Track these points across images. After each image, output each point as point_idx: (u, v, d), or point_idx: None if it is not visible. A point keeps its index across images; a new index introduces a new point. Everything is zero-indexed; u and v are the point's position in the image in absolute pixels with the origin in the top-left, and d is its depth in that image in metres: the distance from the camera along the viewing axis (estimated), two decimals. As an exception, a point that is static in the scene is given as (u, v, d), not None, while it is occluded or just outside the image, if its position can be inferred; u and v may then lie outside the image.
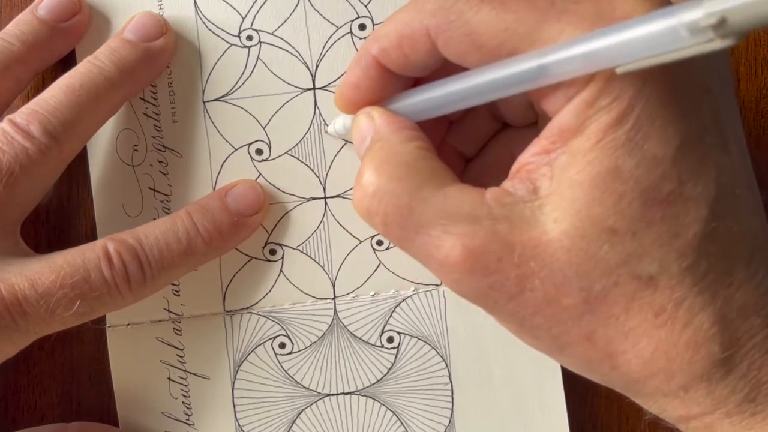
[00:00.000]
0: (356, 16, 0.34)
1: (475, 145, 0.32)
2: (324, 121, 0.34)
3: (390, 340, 0.34)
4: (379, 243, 0.34)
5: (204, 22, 0.34)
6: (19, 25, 0.32)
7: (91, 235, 0.34)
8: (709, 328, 0.23)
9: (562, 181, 0.23)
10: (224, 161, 0.34)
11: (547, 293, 0.23)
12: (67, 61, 0.33)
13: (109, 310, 0.31)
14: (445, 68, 0.27)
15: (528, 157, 0.24)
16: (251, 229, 0.33)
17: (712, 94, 0.24)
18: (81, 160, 0.33)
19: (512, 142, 0.31)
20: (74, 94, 0.30)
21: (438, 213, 0.24)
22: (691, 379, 0.23)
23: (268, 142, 0.34)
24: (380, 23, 0.33)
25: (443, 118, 0.31)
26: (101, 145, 0.34)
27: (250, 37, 0.34)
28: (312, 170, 0.34)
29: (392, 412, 0.34)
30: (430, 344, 0.34)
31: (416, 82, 0.29)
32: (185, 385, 0.34)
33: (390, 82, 0.28)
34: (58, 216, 0.35)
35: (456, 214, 0.24)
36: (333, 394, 0.34)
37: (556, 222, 0.23)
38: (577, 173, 0.23)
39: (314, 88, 0.34)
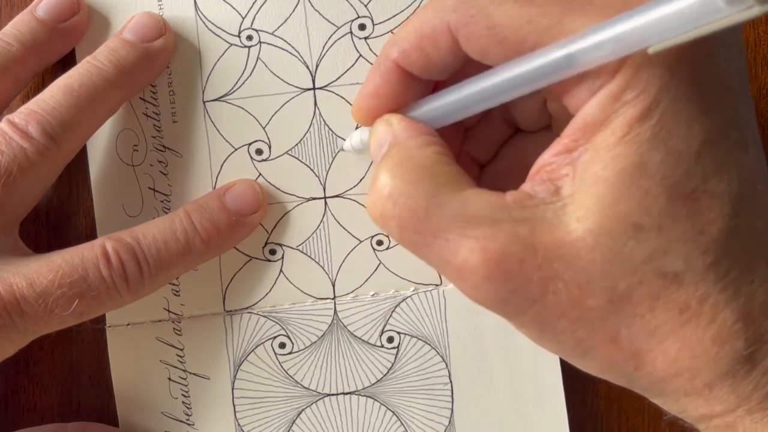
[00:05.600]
0: (356, 16, 0.34)
1: (489, 150, 0.31)
2: (324, 121, 0.34)
3: (390, 340, 0.34)
4: (379, 243, 0.34)
5: (204, 22, 0.34)
6: (18, 25, 0.32)
7: (91, 235, 0.34)
8: (733, 324, 0.23)
9: (585, 179, 0.23)
10: (224, 161, 0.34)
11: (571, 295, 0.23)
12: (67, 61, 0.33)
13: (107, 309, 0.31)
14: (464, 72, 0.26)
15: (549, 157, 0.24)
16: (250, 228, 0.33)
17: (733, 92, 0.24)
18: (81, 160, 0.33)
19: (525, 146, 0.30)
20: (73, 95, 0.30)
21: (455, 217, 0.24)
22: (716, 377, 0.23)
23: (268, 142, 0.34)
24: (381, 22, 0.33)
25: (459, 126, 0.30)
26: (101, 145, 0.34)
27: (250, 37, 0.34)
28: (312, 170, 0.34)
29: (392, 412, 0.34)
30: (430, 344, 0.34)
31: (435, 88, 0.28)
32: (185, 385, 0.34)
33: (410, 88, 0.28)
34: (58, 216, 0.35)
35: (475, 217, 0.23)
36: (333, 394, 0.34)
37: (580, 220, 0.23)
38: (601, 169, 0.22)
39: (314, 88, 0.34)
